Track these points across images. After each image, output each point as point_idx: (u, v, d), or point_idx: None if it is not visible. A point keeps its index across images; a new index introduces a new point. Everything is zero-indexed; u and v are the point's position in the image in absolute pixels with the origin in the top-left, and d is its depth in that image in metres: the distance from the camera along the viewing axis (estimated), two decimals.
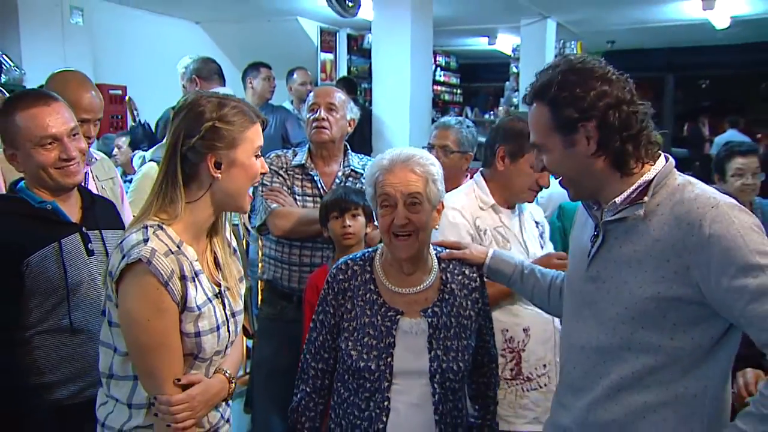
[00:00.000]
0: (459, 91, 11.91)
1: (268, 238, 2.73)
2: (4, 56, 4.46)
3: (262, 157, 1.67)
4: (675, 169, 1.54)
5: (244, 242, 3.76)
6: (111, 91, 5.80)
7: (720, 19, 7.71)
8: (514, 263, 1.99)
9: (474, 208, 2.29)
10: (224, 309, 1.68)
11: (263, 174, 1.67)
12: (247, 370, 3.94)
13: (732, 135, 9.67)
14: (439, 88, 11.11)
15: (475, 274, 1.95)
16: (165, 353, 1.55)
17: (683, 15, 7.85)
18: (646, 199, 1.49)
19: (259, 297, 3.22)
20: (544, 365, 2.23)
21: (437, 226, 1.94)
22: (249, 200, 1.68)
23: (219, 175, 1.58)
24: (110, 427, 1.63)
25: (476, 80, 12.49)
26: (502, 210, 2.31)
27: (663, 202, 1.49)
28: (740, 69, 11.13)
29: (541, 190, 2.29)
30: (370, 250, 1.97)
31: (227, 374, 1.71)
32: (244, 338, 3.73)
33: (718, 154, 3.43)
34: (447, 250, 1.98)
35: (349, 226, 2.37)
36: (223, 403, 1.77)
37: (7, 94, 3.86)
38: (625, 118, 1.48)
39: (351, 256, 1.96)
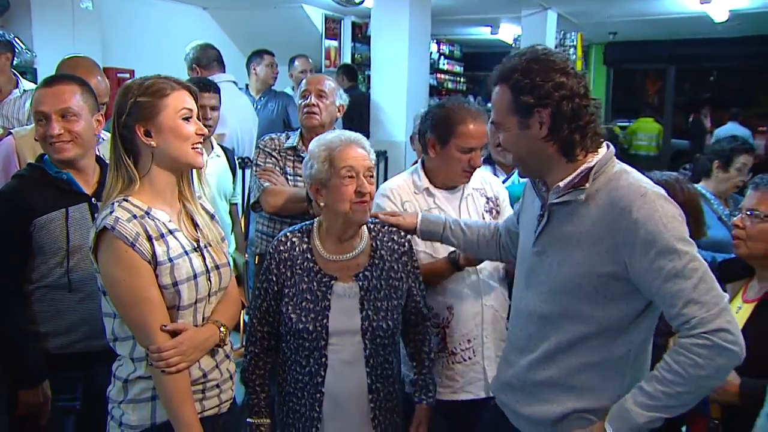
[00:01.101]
0: (463, 80, 11.99)
1: (261, 214, 2.92)
2: (16, 39, 4.57)
3: (196, 120, 1.82)
4: (614, 157, 1.70)
5: (242, 221, 3.93)
6: (119, 75, 5.92)
7: (718, 13, 7.77)
8: (441, 222, 2.19)
9: (405, 192, 2.43)
10: (204, 261, 1.84)
11: (201, 135, 1.82)
12: (243, 343, 4.12)
13: (733, 127, 9.69)
14: (442, 76, 11.21)
15: (403, 240, 2.15)
16: (146, 306, 1.71)
17: (683, 8, 7.92)
18: (587, 185, 1.64)
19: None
20: (469, 340, 2.36)
21: None
22: (197, 156, 1.82)
23: (153, 143, 1.75)
24: (119, 377, 1.81)
25: (480, 69, 12.54)
26: (437, 193, 2.42)
27: (601, 188, 1.64)
28: (741, 61, 11.18)
29: (474, 170, 2.36)
30: (307, 222, 2.15)
31: (218, 323, 1.86)
32: (242, 312, 3.92)
33: (726, 143, 3.48)
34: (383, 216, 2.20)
35: None
36: (224, 356, 1.90)
37: (19, 76, 4.05)
38: (576, 110, 1.63)
39: (290, 229, 2.15)
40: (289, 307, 2.03)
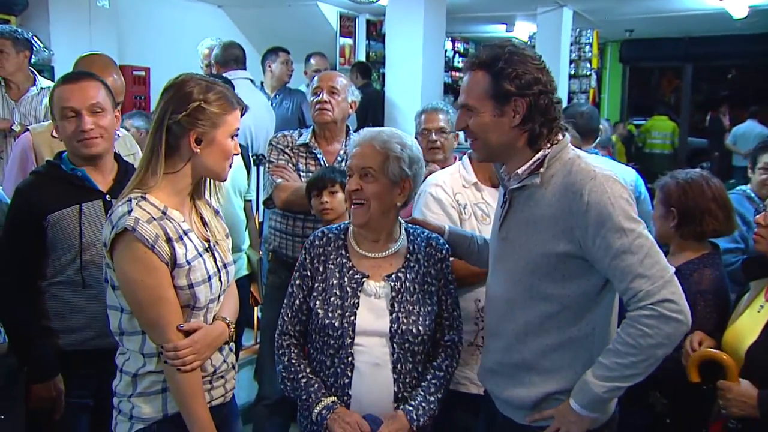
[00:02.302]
0: None
1: (274, 211, 2.93)
2: (34, 37, 4.62)
3: (236, 139, 1.84)
4: (569, 144, 1.80)
5: (256, 219, 3.95)
6: (135, 73, 5.97)
7: (738, 9, 7.66)
8: (468, 236, 2.19)
9: (456, 185, 2.44)
10: (215, 261, 1.85)
11: (236, 154, 1.84)
12: (258, 340, 4.14)
13: (751, 125, 9.63)
14: (457, 74, 11.16)
15: (442, 247, 2.10)
16: (162, 305, 1.72)
17: (701, 4, 7.84)
18: (542, 170, 1.75)
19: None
20: None
21: (401, 201, 2.05)
22: (227, 171, 1.85)
23: (198, 150, 1.76)
24: (127, 372, 1.82)
25: None
26: (484, 188, 2.44)
27: (557, 174, 1.74)
28: (761, 59, 11.01)
29: None
30: (346, 222, 2.13)
31: (226, 320, 1.88)
32: (255, 308, 3.93)
33: (756, 147, 3.41)
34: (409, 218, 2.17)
35: (326, 202, 2.56)
36: (229, 350, 1.93)
37: (37, 74, 4.10)
38: (548, 104, 1.74)
39: (329, 227, 2.14)
40: (317, 302, 2.00)
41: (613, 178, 1.70)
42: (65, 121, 2.18)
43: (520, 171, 1.77)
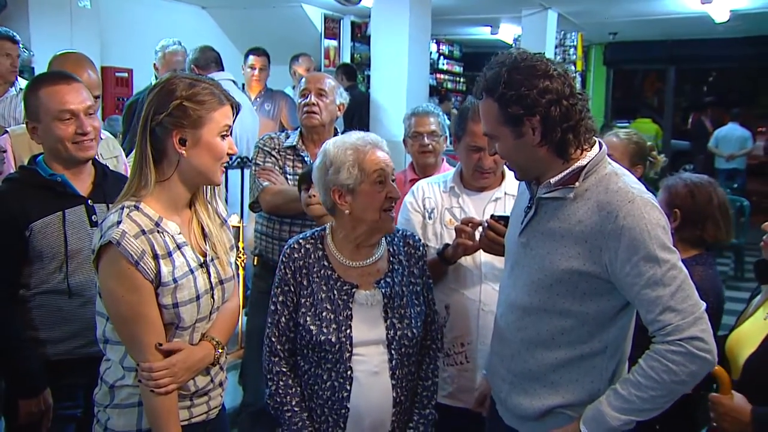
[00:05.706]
0: (462, 80, 11.96)
1: (260, 214, 2.88)
2: None
3: (230, 138, 1.73)
4: (607, 157, 1.72)
5: (240, 223, 3.90)
6: (117, 74, 5.93)
7: (719, 13, 7.76)
8: None
9: (431, 189, 2.39)
10: (209, 278, 1.76)
11: (231, 154, 1.73)
12: (242, 345, 4.09)
13: (732, 128, 9.75)
14: (442, 76, 11.18)
15: (418, 244, 2.07)
16: (142, 323, 1.64)
17: (683, 8, 7.91)
18: (577, 184, 1.67)
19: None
20: (462, 344, 2.28)
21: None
22: (220, 174, 1.74)
23: (184, 152, 1.65)
24: (106, 381, 1.76)
25: (480, 69, 12.29)
26: (463, 193, 2.36)
27: (591, 188, 1.67)
28: (742, 62, 11.16)
29: (487, 171, 2.30)
30: (318, 229, 2.05)
31: (214, 341, 1.79)
32: (241, 311, 3.88)
33: None
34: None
35: (315, 195, 2.44)
36: (218, 369, 1.84)
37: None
38: (565, 112, 1.63)
39: (301, 235, 2.04)
40: (308, 318, 1.91)
41: (652, 203, 1.63)
42: (61, 123, 2.10)
43: (552, 181, 1.69)
